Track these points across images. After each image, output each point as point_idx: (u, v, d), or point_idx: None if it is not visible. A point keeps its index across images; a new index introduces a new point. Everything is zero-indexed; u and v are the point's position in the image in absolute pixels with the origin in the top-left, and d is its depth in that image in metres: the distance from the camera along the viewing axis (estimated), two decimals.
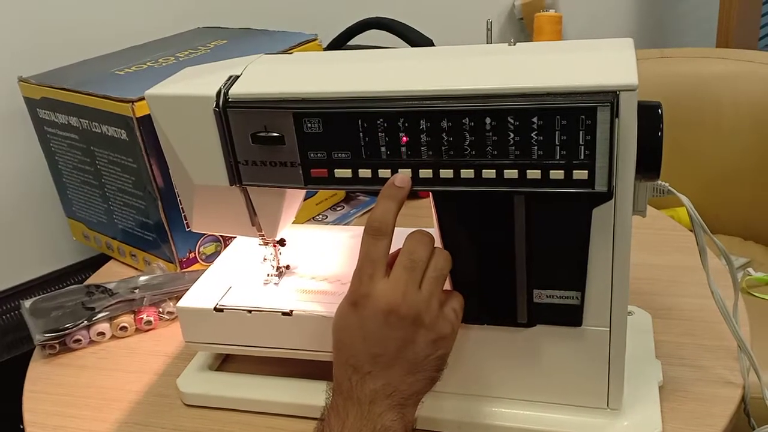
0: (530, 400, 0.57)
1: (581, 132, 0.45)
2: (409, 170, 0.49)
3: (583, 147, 0.45)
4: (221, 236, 0.87)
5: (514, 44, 0.53)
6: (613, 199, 0.48)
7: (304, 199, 0.93)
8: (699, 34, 1.88)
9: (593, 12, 1.71)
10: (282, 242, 0.65)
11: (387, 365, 0.47)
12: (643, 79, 1.32)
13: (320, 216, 0.97)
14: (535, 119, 0.46)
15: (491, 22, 0.58)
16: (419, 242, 0.50)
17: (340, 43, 1.05)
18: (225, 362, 0.69)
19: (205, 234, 0.85)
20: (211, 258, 0.85)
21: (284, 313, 0.60)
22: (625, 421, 0.55)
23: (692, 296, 0.72)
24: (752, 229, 1.33)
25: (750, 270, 1.21)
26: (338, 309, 0.50)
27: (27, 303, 0.77)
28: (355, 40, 1.05)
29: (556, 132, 0.45)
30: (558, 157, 0.46)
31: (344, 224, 0.95)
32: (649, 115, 0.47)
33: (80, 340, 0.75)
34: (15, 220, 0.98)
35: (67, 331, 0.73)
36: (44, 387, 0.70)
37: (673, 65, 1.36)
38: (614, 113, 0.44)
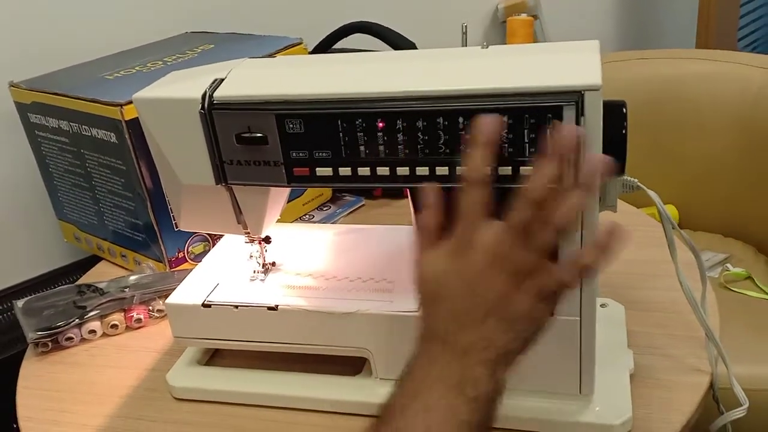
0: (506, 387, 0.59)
1: (549, 130, 0.47)
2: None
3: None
4: (210, 236, 0.89)
5: (487, 47, 0.55)
6: None
7: (291, 200, 0.95)
8: (679, 36, 1.92)
9: (575, 15, 1.74)
10: (267, 239, 0.67)
11: (484, 318, 0.46)
12: (624, 80, 1.36)
13: (307, 216, 0.99)
14: (505, 118, 0.48)
15: (466, 26, 0.61)
16: (537, 186, 0.45)
17: (325, 46, 1.07)
18: (213, 357, 0.71)
19: (193, 234, 0.87)
20: (199, 257, 0.87)
21: (270, 308, 0.62)
22: (597, 406, 0.58)
23: (665, 289, 0.74)
24: (731, 225, 1.36)
25: (728, 266, 1.24)
26: (436, 258, 0.48)
27: (20, 302, 0.79)
28: (339, 44, 1.07)
29: (525, 130, 0.48)
30: (527, 154, 0.48)
31: (330, 224, 0.97)
32: (614, 114, 0.50)
33: (72, 338, 0.76)
34: (6, 223, 0.99)
35: (60, 330, 0.75)
36: (37, 383, 0.72)
37: (653, 66, 1.39)
38: (579, 112, 0.47)
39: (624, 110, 0.51)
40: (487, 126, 0.46)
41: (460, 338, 0.46)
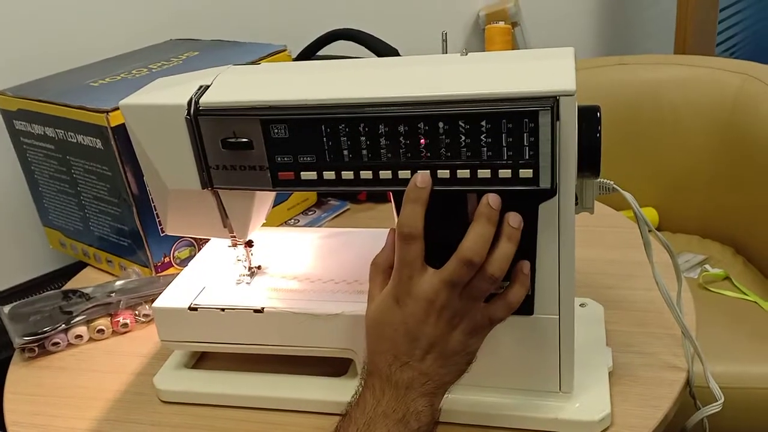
0: (487, 385, 0.60)
1: (525, 134, 0.49)
2: (428, 171, 0.51)
3: (527, 148, 0.49)
4: (195, 241, 0.89)
5: (466, 54, 0.57)
6: (557, 195, 0.52)
7: (277, 204, 0.96)
8: (658, 42, 1.95)
9: (555, 22, 1.76)
10: (253, 243, 0.68)
11: (423, 357, 0.52)
12: (603, 85, 1.39)
13: (292, 220, 1.00)
14: (483, 123, 0.49)
15: (446, 34, 0.62)
16: (473, 247, 0.50)
17: (308, 53, 1.08)
18: (200, 360, 0.72)
19: (179, 239, 0.88)
20: (185, 262, 0.88)
21: (256, 311, 0.63)
22: (577, 403, 0.59)
23: (643, 289, 0.76)
24: (710, 227, 1.39)
25: (707, 266, 1.26)
26: (379, 303, 0.54)
27: (6, 308, 0.79)
28: (323, 51, 1.08)
29: (503, 134, 0.49)
30: (505, 158, 0.50)
31: (315, 227, 0.98)
32: (589, 118, 0.52)
33: (59, 343, 0.77)
34: None
35: (46, 335, 0.76)
36: (25, 388, 0.72)
37: (632, 71, 1.42)
38: (555, 116, 0.48)
39: (598, 115, 0.52)
40: (419, 182, 0.51)
41: (402, 375, 0.52)
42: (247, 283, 0.68)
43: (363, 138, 0.52)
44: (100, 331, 0.78)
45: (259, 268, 0.69)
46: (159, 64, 0.92)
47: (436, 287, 0.51)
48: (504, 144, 0.49)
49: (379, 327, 0.54)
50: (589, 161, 0.52)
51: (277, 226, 0.98)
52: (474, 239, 0.51)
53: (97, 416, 0.67)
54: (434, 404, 0.52)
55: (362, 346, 0.62)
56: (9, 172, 0.97)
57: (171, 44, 1.04)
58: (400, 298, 0.52)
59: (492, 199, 0.51)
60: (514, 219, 0.51)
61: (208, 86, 0.57)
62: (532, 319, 0.57)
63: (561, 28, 1.79)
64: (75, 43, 1.02)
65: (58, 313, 0.78)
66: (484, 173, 0.51)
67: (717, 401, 0.64)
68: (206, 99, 0.55)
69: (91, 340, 0.79)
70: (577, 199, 0.56)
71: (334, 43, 1.07)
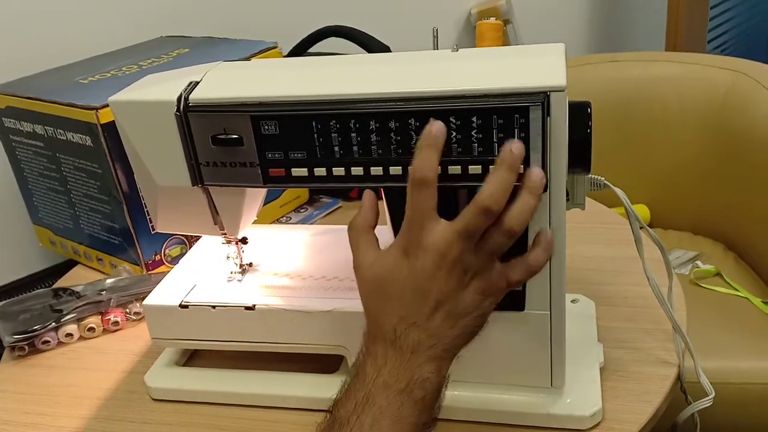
0: (478, 381, 0.60)
1: (516, 130, 0.49)
2: (441, 120, 0.49)
3: None
4: (186, 238, 0.89)
5: (457, 50, 0.56)
6: (548, 191, 0.51)
7: (269, 202, 0.96)
8: (649, 39, 1.96)
9: (547, 20, 1.77)
10: (245, 240, 0.68)
11: (432, 314, 0.48)
12: (595, 82, 1.39)
13: (284, 218, 1.00)
14: (474, 119, 0.49)
15: (437, 30, 0.62)
16: (493, 194, 0.47)
17: (300, 50, 1.08)
18: (191, 358, 0.72)
19: (170, 236, 0.87)
20: (176, 260, 0.88)
21: (247, 308, 0.63)
22: (568, 398, 0.60)
23: (634, 285, 0.76)
24: (701, 223, 1.39)
25: (698, 263, 1.27)
26: (383, 258, 0.50)
27: None
28: (315, 48, 1.08)
29: (494, 130, 0.49)
30: (496, 153, 0.50)
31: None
32: (579, 114, 0.52)
33: (49, 342, 0.76)
34: None
35: (36, 333, 0.75)
36: (14, 387, 0.72)
37: (623, 68, 1.42)
38: (545, 112, 0.48)
39: (588, 110, 0.52)
40: (434, 129, 0.48)
41: (408, 338, 0.48)
42: (239, 280, 0.68)
43: (354, 134, 0.52)
44: (91, 329, 0.78)
45: (250, 265, 0.69)
46: (149, 61, 0.91)
47: (448, 239, 0.47)
48: (495, 140, 0.49)
49: (383, 285, 0.49)
50: (580, 157, 0.52)
51: (269, 223, 0.97)
52: (493, 186, 0.46)
53: (87, 414, 0.67)
54: (441, 370, 0.48)
55: (354, 342, 0.62)
56: None
57: (161, 41, 1.04)
58: (410, 249, 0.48)
59: (516, 146, 0.47)
60: (537, 174, 0.47)
61: (197, 82, 0.56)
62: (524, 315, 0.57)
63: (553, 26, 1.79)
64: (65, 41, 1.01)
65: (48, 312, 0.78)
66: (475, 169, 0.50)
67: (708, 396, 0.64)
68: (196, 95, 0.55)
69: (81, 338, 0.78)
70: (568, 195, 0.56)
71: (326, 40, 1.07)
